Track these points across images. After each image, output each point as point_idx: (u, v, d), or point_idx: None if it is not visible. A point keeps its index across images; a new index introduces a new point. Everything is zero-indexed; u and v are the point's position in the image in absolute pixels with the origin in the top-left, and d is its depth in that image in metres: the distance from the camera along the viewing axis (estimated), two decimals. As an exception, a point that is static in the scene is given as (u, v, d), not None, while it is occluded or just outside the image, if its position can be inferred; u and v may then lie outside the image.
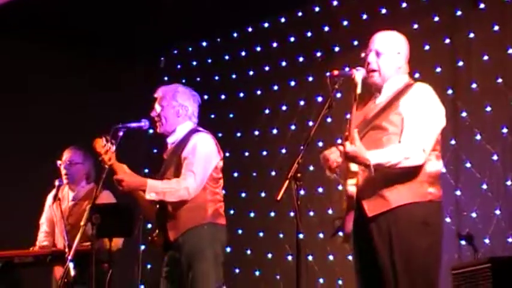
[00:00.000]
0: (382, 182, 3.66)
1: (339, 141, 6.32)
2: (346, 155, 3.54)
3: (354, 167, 3.70)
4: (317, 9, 6.77)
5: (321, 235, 6.39)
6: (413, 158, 3.59)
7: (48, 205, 5.54)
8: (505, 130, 5.56)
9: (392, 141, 3.67)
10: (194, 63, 7.56)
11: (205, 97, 7.35)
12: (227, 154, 7.02)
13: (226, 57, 7.34)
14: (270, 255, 6.73)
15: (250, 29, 7.20)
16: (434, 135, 3.69)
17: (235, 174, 7.06)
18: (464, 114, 5.76)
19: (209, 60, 7.47)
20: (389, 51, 3.82)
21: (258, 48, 7.13)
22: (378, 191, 3.67)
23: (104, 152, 4.30)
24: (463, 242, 5.44)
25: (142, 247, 6.67)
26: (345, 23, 6.58)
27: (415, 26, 6.07)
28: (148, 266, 6.85)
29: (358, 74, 3.80)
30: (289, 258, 6.50)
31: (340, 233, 3.80)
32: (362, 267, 3.78)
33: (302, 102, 6.74)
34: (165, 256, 4.42)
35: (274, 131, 6.90)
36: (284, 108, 6.88)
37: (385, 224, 3.66)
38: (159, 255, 4.48)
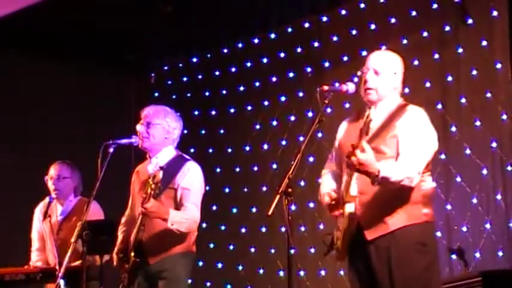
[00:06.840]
0: (380, 205, 3.71)
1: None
2: (359, 163, 3.52)
3: (353, 191, 3.73)
4: (306, 25, 6.79)
5: (313, 250, 6.38)
6: (412, 179, 3.65)
7: (38, 220, 5.51)
8: (494, 144, 5.58)
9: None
10: (185, 79, 7.56)
11: (196, 113, 7.37)
12: (218, 170, 7.06)
13: (217, 73, 7.34)
14: (261, 271, 6.71)
15: (240, 45, 7.21)
16: (427, 159, 3.76)
17: (227, 190, 7.05)
18: (453, 128, 5.78)
19: (200, 76, 7.48)
20: (387, 71, 3.86)
21: (249, 64, 7.14)
22: (376, 215, 3.72)
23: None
24: (453, 256, 5.45)
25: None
26: (335, 38, 6.60)
27: (404, 42, 6.11)
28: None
29: (350, 87, 3.85)
30: (281, 273, 6.48)
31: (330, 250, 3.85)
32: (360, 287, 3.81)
33: (293, 118, 6.74)
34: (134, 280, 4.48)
35: (265, 147, 6.90)
36: (275, 123, 6.89)
37: (383, 246, 3.71)
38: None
